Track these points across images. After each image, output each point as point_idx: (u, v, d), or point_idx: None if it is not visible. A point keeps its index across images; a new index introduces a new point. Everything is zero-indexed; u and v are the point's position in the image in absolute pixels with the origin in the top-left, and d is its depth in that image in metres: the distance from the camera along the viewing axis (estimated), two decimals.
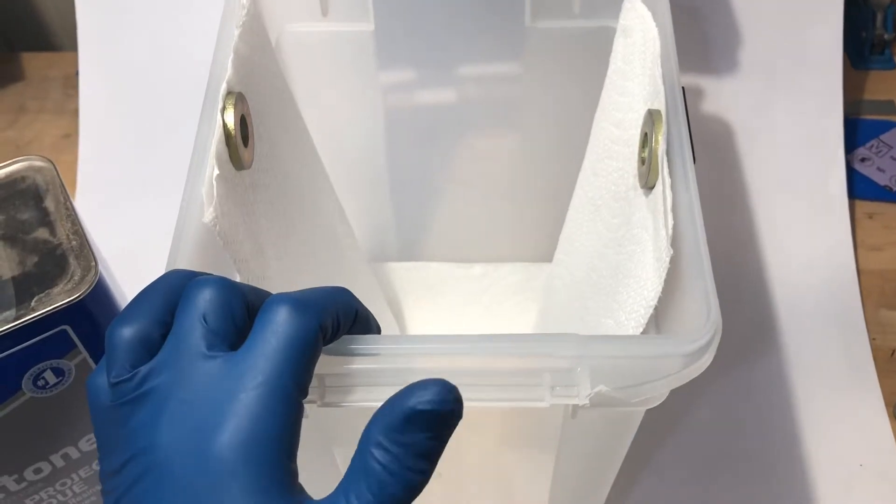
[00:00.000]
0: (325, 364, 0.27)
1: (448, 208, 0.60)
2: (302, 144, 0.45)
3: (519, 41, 0.48)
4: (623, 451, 0.37)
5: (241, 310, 0.25)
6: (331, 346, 0.27)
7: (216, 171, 0.32)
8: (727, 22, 0.65)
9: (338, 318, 0.26)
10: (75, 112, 0.70)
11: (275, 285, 0.37)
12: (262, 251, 0.36)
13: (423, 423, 0.23)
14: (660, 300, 0.31)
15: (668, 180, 0.31)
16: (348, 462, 0.23)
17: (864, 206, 0.68)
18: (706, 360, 0.27)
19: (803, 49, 0.67)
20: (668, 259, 0.29)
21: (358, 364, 0.27)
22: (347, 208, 0.53)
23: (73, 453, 0.42)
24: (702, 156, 0.36)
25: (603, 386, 0.26)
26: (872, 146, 0.72)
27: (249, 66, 0.38)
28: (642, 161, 0.36)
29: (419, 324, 0.60)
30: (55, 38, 0.83)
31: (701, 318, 0.27)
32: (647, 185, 0.35)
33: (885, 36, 0.78)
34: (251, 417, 0.23)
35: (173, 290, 0.26)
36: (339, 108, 0.52)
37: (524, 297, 0.60)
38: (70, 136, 0.72)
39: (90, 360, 0.39)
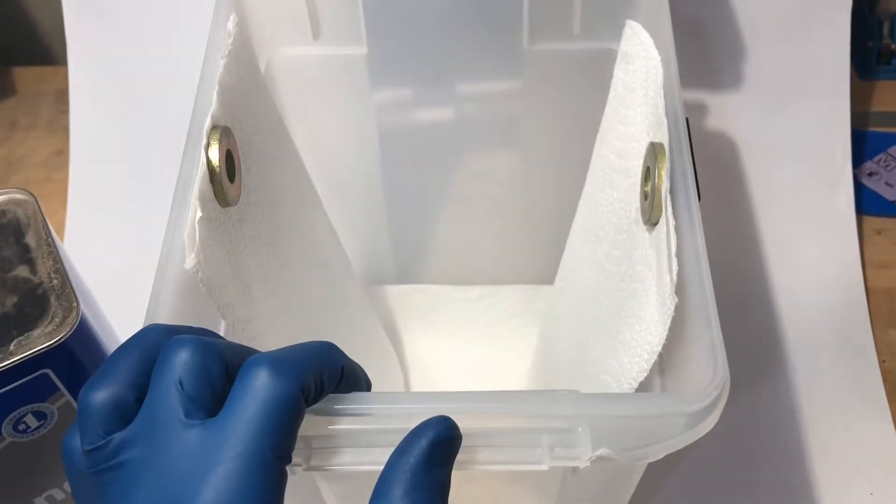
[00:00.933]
0: (310, 425, 0.25)
1: (446, 230, 0.58)
2: (293, 172, 0.44)
3: (517, 63, 0.46)
4: (627, 495, 0.35)
5: (220, 373, 0.24)
6: (316, 406, 0.26)
7: (199, 213, 0.31)
8: (730, 34, 0.64)
9: (321, 378, 0.25)
10: (67, 128, 0.69)
11: (263, 326, 0.36)
12: (249, 291, 0.35)
13: (441, 457, 0.24)
14: (664, 346, 0.30)
15: (671, 221, 0.30)
16: None
17: (871, 223, 0.67)
18: (713, 418, 0.25)
19: (809, 61, 0.65)
20: (672, 306, 0.28)
21: (345, 425, 0.26)
22: (343, 232, 0.51)
23: (59, 494, 0.41)
24: (705, 173, 0.35)
25: (605, 449, 0.25)
26: (880, 160, 0.70)
27: (236, 97, 0.37)
28: (645, 196, 0.34)
29: (417, 348, 0.59)
30: (50, 51, 0.81)
31: (707, 374, 0.26)
32: (650, 221, 0.33)
33: (893, 46, 0.77)
34: (230, 490, 0.22)
35: (149, 349, 0.25)
36: (332, 130, 0.51)
37: (524, 319, 0.59)
38: (62, 154, 0.71)
39: (73, 402, 0.37)
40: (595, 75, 0.46)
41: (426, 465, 0.24)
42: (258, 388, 0.23)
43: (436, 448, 0.24)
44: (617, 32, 0.44)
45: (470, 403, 0.26)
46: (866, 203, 0.67)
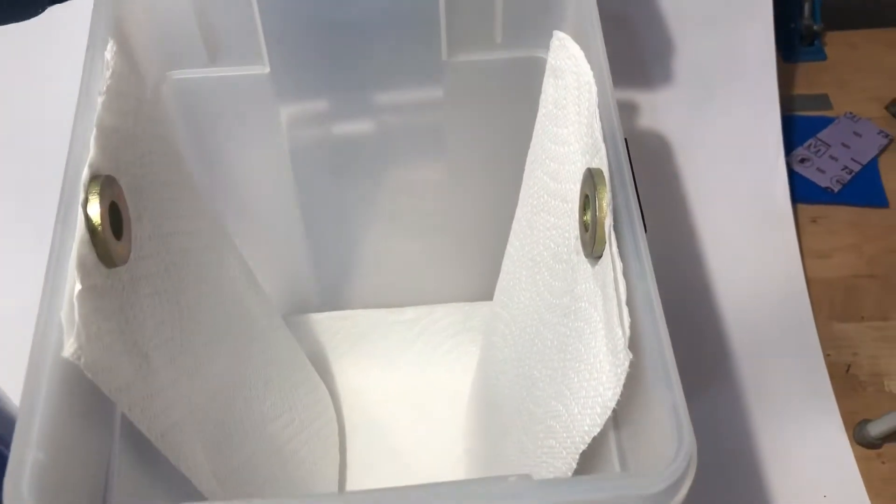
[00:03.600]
0: None
1: (373, 249, 0.54)
2: (194, 210, 0.39)
3: (437, 75, 0.43)
4: None
5: None
6: None
7: (78, 286, 0.26)
8: (656, 27, 0.62)
9: None
10: None
11: (168, 398, 0.32)
12: (148, 362, 0.31)
13: None
14: (619, 402, 0.27)
15: (619, 264, 0.27)
16: None
17: (807, 211, 0.66)
18: (679, 498, 0.23)
19: (735, 50, 0.63)
20: (626, 363, 0.25)
21: None
22: (260, 263, 0.47)
23: None
24: (638, 173, 0.33)
25: None
26: (810, 145, 0.69)
27: (119, 138, 0.32)
28: (585, 227, 0.31)
29: (349, 377, 0.55)
30: None
31: (670, 444, 0.23)
32: (593, 255, 0.30)
33: (815, 27, 0.76)
34: None
35: None
36: (238, 155, 0.46)
37: (462, 339, 0.56)
38: None
39: None
40: (522, 84, 0.42)
41: None
42: None
43: None
44: (543, 40, 0.41)
45: (397, 498, 0.22)
46: (800, 191, 0.66)
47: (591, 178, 0.30)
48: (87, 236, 0.28)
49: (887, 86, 0.74)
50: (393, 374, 0.55)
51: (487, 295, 0.50)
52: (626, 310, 0.26)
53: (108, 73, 0.32)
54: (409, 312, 0.56)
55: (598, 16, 0.36)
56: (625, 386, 0.26)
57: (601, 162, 0.30)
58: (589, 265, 0.31)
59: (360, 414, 0.54)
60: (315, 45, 0.41)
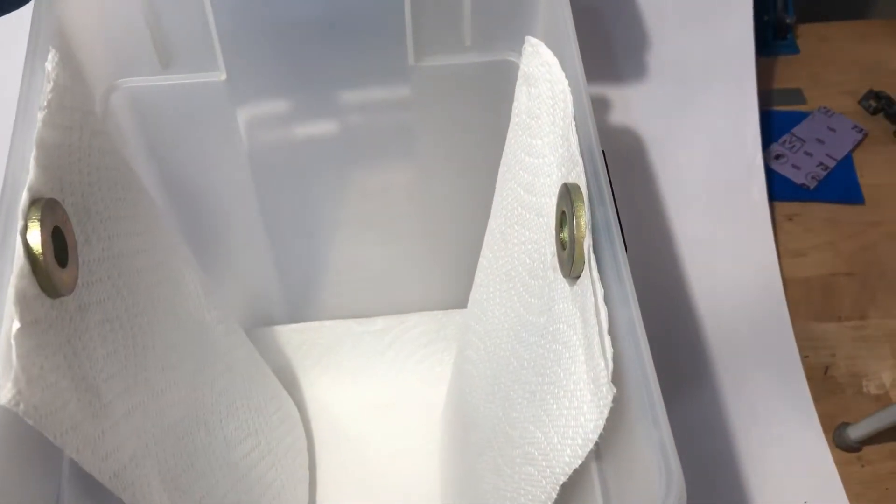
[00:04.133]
0: None
1: (340, 256, 0.52)
2: (148, 226, 0.37)
3: (404, 79, 0.41)
4: None
5: None
6: None
7: (16, 324, 0.24)
8: (630, 20, 0.60)
9: None
10: None
11: (121, 434, 0.30)
12: (98, 397, 0.29)
13: None
14: (601, 436, 0.25)
15: (599, 290, 0.25)
16: None
17: (783, 208, 0.65)
18: None
19: (713, 44, 0.62)
20: (610, 396, 0.24)
21: None
22: (222, 274, 0.45)
23: None
24: (613, 173, 0.31)
25: None
26: (786, 141, 0.68)
27: (63, 156, 0.30)
28: (562, 245, 0.30)
29: (318, 390, 0.53)
30: None
31: (658, 487, 0.21)
32: (571, 275, 0.29)
33: (788, 20, 0.75)
34: None
35: None
36: (195, 163, 0.44)
37: (434, 348, 0.54)
38: None
39: None
40: (494, 87, 0.41)
41: None
42: None
43: None
44: (515, 43, 0.39)
45: None
46: (776, 188, 0.65)
47: (569, 194, 0.29)
48: (27, 267, 0.26)
49: (859, 79, 0.73)
50: (364, 386, 0.53)
51: (461, 302, 0.49)
52: (608, 339, 0.24)
53: (48, 87, 0.30)
54: (380, 322, 0.54)
55: (571, 18, 0.35)
56: (608, 419, 0.24)
57: (578, 177, 0.29)
58: (567, 284, 0.30)
59: (330, 429, 0.52)
60: (274, 49, 0.39)
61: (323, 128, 0.45)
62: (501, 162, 0.37)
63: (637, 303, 0.25)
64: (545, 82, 0.31)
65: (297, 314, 0.53)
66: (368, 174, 0.50)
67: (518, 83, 0.34)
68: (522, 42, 0.34)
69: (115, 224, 0.33)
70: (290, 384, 0.52)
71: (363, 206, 0.51)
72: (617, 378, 0.24)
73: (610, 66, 0.60)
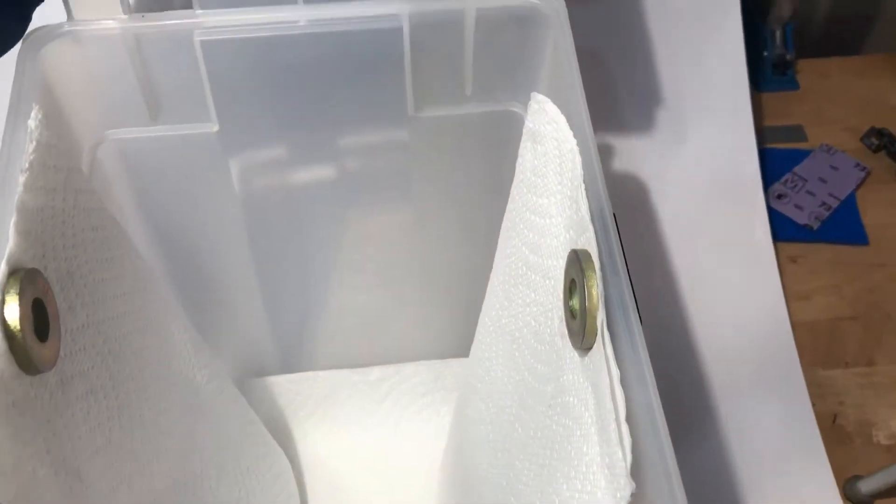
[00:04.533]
0: None
1: (336, 303, 0.51)
2: (136, 285, 0.35)
3: (402, 128, 0.39)
4: None
5: None
6: None
7: None
8: (625, 63, 0.59)
9: None
10: None
11: None
12: (80, 479, 0.27)
13: None
14: None
15: (615, 371, 0.24)
16: None
17: (786, 249, 0.64)
18: None
19: (706, 82, 0.61)
20: (629, 493, 0.22)
21: None
22: (213, 324, 0.43)
23: None
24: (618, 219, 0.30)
25: None
26: (787, 181, 0.67)
27: (46, 220, 0.28)
28: (572, 314, 0.28)
29: (313, 443, 0.52)
30: None
31: None
32: (582, 346, 0.27)
33: (787, 56, 0.74)
34: None
35: None
36: (185, 213, 0.43)
37: (432, 398, 0.52)
38: None
39: None
40: (496, 137, 0.39)
41: None
42: None
43: None
44: (518, 93, 0.38)
45: None
46: (778, 228, 0.64)
47: (578, 262, 0.27)
48: (3, 345, 0.24)
49: (861, 115, 0.72)
50: (359, 438, 0.51)
51: (459, 351, 0.47)
52: (626, 427, 0.23)
53: (31, 146, 0.28)
54: (376, 372, 0.52)
55: (577, 68, 0.34)
56: None
57: (588, 243, 0.27)
58: (576, 354, 0.28)
59: (325, 483, 0.50)
60: (268, 99, 0.37)
61: (318, 177, 0.44)
62: (505, 217, 0.35)
63: (655, 384, 0.23)
64: (552, 140, 0.30)
65: (291, 364, 0.51)
66: (364, 222, 0.48)
67: (523, 140, 0.32)
68: (524, 91, 0.33)
69: (100, 287, 0.32)
70: (284, 436, 0.51)
71: (358, 254, 0.49)
72: (635, 471, 0.22)
73: (607, 109, 0.59)
